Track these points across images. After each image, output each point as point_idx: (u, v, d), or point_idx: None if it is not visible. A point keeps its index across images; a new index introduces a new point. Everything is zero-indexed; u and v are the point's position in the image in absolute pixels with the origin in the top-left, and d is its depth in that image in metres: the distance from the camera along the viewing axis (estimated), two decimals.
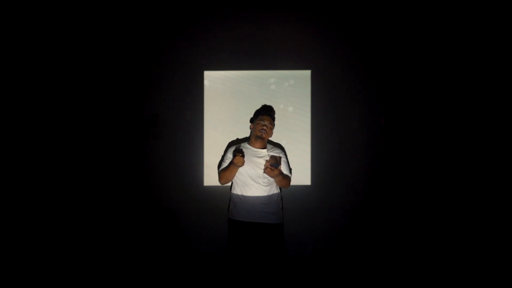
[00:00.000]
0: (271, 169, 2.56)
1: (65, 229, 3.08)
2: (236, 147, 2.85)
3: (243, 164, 2.63)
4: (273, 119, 2.90)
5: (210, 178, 3.19)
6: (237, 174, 2.73)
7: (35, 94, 3.02)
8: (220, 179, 2.78)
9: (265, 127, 2.76)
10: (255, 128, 2.80)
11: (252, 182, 2.70)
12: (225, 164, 2.79)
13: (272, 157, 2.75)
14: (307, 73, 3.24)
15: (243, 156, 2.64)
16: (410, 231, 3.22)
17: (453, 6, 3.07)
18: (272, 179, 2.74)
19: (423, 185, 3.17)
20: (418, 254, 3.16)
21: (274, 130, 2.90)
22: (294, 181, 3.01)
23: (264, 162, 2.69)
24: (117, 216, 3.18)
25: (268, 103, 3.21)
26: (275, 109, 3.22)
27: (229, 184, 2.86)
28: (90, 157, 3.17)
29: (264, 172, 2.63)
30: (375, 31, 3.24)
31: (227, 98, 3.23)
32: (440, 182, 3.10)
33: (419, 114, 3.20)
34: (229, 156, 2.80)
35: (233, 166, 2.65)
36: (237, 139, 3.17)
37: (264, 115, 2.82)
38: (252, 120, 2.98)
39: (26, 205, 2.96)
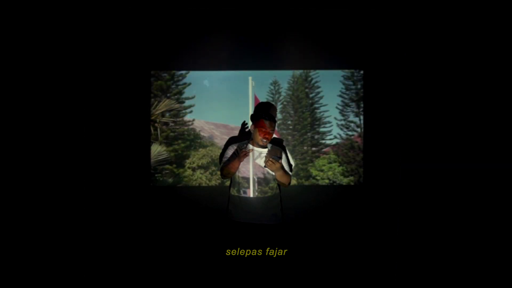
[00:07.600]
0: (273, 162, 2.45)
1: (65, 228, 3.08)
2: (239, 145, 2.73)
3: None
4: (275, 121, 2.67)
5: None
6: (237, 173, 2.70)
7: (35, 95, 3.03)
8: (222, 170, 2.64)
9: (267, 136, 2.60)
10: (257, 133, 2.62)
11: (253, 182, 2.65)
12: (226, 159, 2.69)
13: (273, 149, 2.69)
14: (306, 73, 3.24)
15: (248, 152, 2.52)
16: (409, 230, 3.21)
17: (452, 8, 3.07)
18: (273, 181, 2.70)
19: (422, 184, 3.17)
20: (418, 253, 3.16)
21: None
22: (294, 181, 3.01)
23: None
24: (117, 216, 3.17)
25: None
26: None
27: (228, 183, 2.84)
28: (91, 157, 3.17)
29: (265, 166, 2.56)
30: (375, 32, 3.24)
31: (227, 98, 3.23)
32: (439, 182, 3.10)
33: (419, 114, 3.20)
34: (229, 152, 2.68)
35: (238, 159, 2.52)
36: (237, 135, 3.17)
37: (267, 120, 2.59)
38: (252, 118, 2.73)
39: (25, 204, 2.97)
